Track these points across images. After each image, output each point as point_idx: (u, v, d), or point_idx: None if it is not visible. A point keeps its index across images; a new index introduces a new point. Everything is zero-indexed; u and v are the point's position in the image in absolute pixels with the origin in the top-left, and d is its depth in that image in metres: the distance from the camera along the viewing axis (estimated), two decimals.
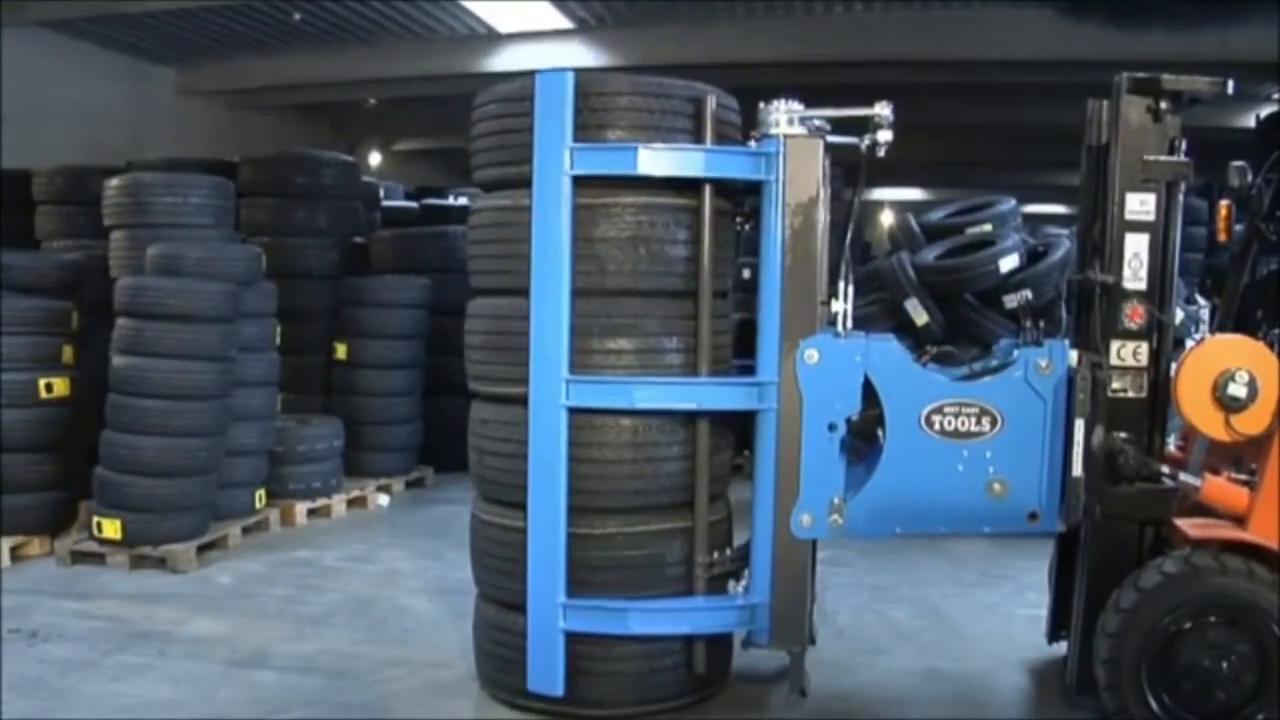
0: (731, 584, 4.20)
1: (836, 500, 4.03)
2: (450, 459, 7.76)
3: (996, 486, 4.00)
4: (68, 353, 6.64)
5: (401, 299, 8.43)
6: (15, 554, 6.22)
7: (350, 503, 7.82)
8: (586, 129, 3.90)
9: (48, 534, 6.43)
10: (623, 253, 3.95)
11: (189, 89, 14.61)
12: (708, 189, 3.98)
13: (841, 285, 4.16)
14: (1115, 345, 4.04)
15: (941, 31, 11.32)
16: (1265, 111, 12.36)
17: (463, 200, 11.60)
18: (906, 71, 11.76)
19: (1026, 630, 5.15)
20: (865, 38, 11.56)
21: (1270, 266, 5.02)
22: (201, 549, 6.30)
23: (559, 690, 3.99)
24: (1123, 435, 4.01)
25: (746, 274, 9.89)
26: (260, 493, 7.05)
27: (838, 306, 4.15)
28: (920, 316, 7.12)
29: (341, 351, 8.36)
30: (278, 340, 7.26)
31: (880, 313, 7.40)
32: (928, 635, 5.22)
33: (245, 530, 6.81)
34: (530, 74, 3.94)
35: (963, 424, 4.00)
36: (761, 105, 4.00)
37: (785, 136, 3.95)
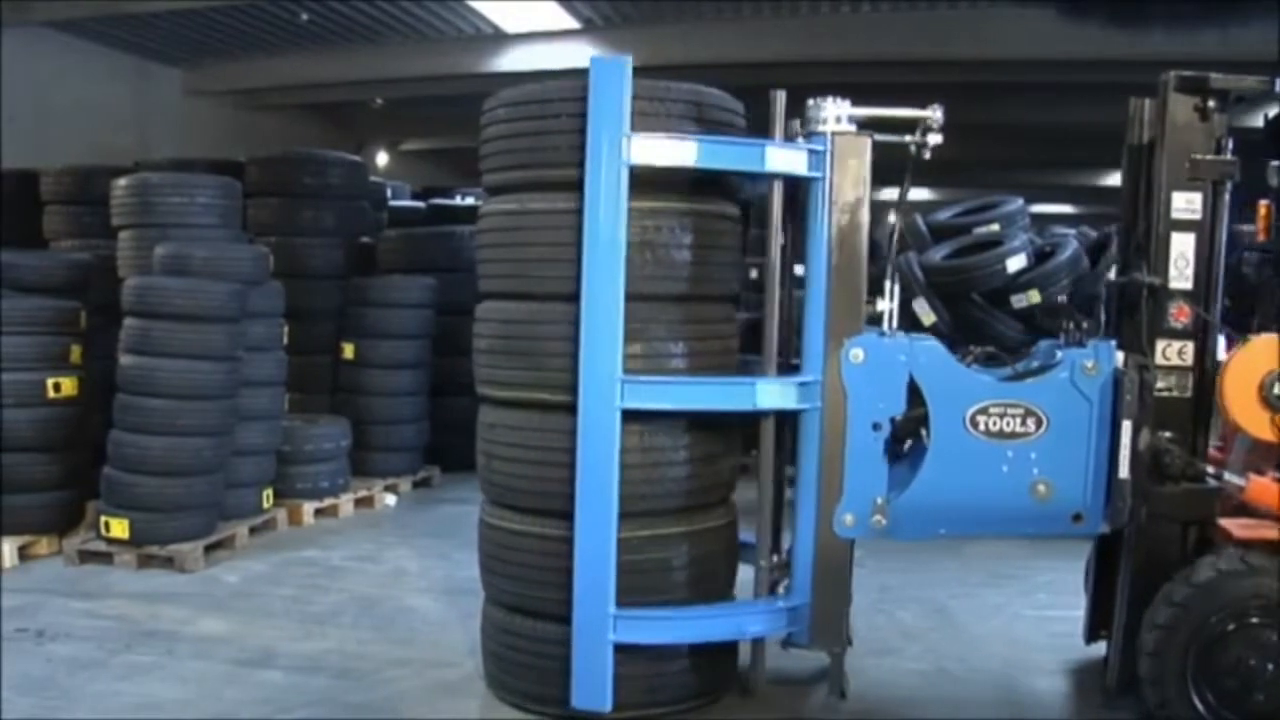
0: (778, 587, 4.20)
1: (880, 500, 4.01)
2: (457, 459, 7.76)
3: (1041, 488, 3.98)
4: (75, 352, 6.64)
5: (408, 299, 8.43)
6: (23, 553, 6.23)
7: (357, 502, 7.83)
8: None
9: (55, 533, 6.44)
10: (628, 256, 3.90)
11: (195, 89, 14.64)
12: (777, 185, 3.99)
13: (888, 284, 4.15)
14: (1161, 345, 4.03)
15: (944, 31, 11.32)
16: (1274, 111, 12.36)
17: (469, 200, 11.61)
18: (910, 71, 11.76)
19: (1034, 631, 5.15)
20: (869, 37, 11.57)
21: None
22: (209, 549, 6.31)
23: (607, 705, 3.89)
24: (1167, 435, 3.99)
25: (754, 274, 9.95)
26: (267, 492, 7.06)
27: (882, 305, 4.14)
28: (928, 317, 7.11)
29: (348, 351, 8.37)
30: (285, 340, 7.28)
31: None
32: (935, 636, 5.22)
33: (252, 530, 6.82)
34: (536, 75, 3.94)
35: (1007, 425, 3.97)
36: (810, 102, 3.99)
37: (834, 134, 3.94)
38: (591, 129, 3.78)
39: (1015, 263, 7.18)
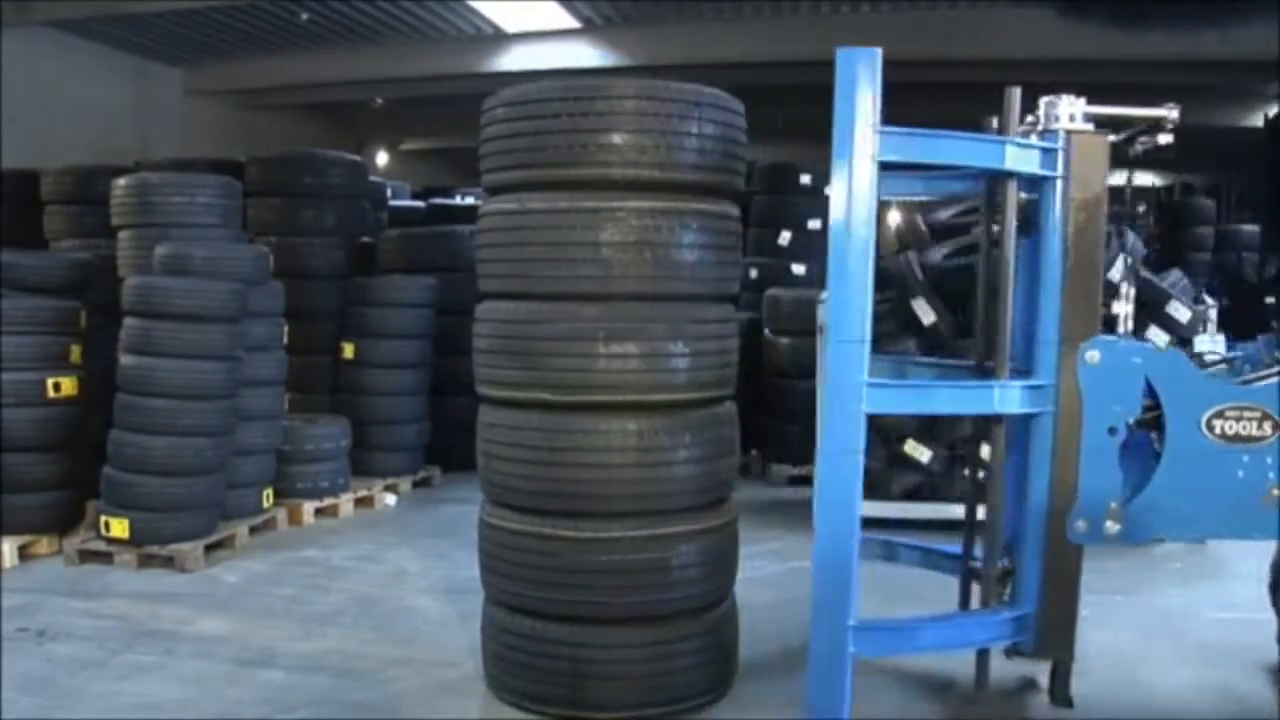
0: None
1: (1114, 505, 3.96)
2: (457, 458, 7.77)
3: (1276, 491, 3.91)
4: (75, 352, 6.65)
5: (408, 298, 8.43)
6: (23, 553, 6.24)
7: (357, 502, 7.83)
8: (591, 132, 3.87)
9: (55, 533, 6.44)
10: (628, 256, 3.93)
11: (196, 89, 14.67)
12: (1011, 183, 3.96)
13: (1123, 286, 4.11)
14: None
15: (945, 31, 11.35)
16: (1274, 110, 12.35)
17: (469, 200, 11.64)
18: (912, 70, 11.77)
19: None
20: (869, 37, 11.52)
21: None
22: (209, 548, 6.32)
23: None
24: None
25: (754, 274, 9.95)
26: (267, 492, 7.07)
27: (1117, 308, 4.11)
28: (928, 316, 7.12)
29: (349, 351, 8.37)
30: (285, 340, 7.28)
31: (888, 312, 7.40)
32: None
33: (252, 530, 6.82)
34: (536, 75, 3.94)
35: (1244, 429, 3.90)
36: (1045, 100, 3.98)
37: (1071, 133, 3.92)
38: (839, 123, 3.64)
39: None
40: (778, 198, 10.26)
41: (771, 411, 8.73)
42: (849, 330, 3.66)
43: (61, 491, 6.50)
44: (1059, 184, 3.93)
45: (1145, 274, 7.60)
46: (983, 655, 4.28)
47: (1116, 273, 7.26)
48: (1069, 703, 4.16)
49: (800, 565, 6.36)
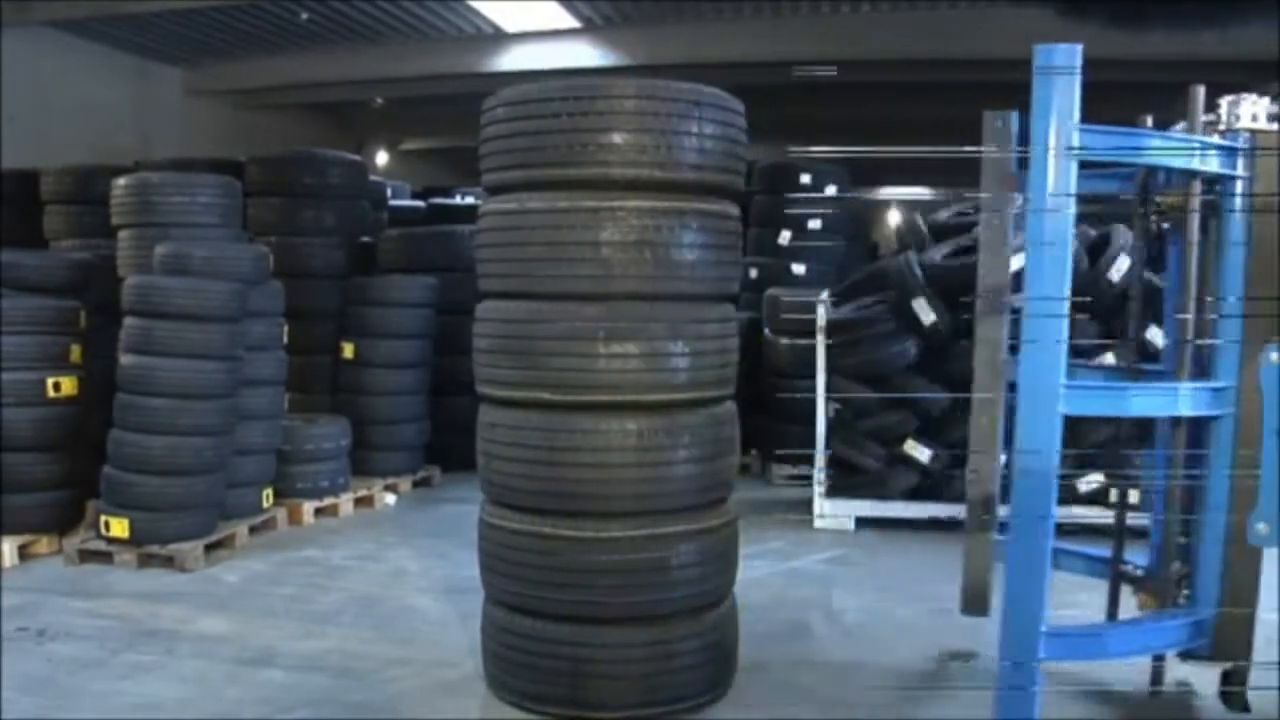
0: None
1: None
2: (457, 458, 7.77)
3: None
4: (75, 352, 6.66)
5: (408, 298, 8.44)
6: (23, 552, 6.24)
7: (357, 502, 7.84)
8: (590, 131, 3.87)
9: (55, 533, 6.45)
10: (628, 256, 3.93)
11: (196, 89, 14.66)
12: (1196, 183, 3.90)
13: None
14: None
15: (944, 30, 11.34)
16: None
17: (469, 199, 11.64)
18: (912, 70, 11.78)
19: None
20: (870, 37, 11.59)
21: None
22: (209, 548, 6.32)
23: None
24: None
25: (754, 274, 9.96)
26: (267, 492, 7.07)
27: None
28: (928, 316, 7.13)
29: (349, 351, 8.38)
30: (285, 339, 7.28)
31: (888, 312, 7.42)
32: (937, 634, 5.21)
33: (252, 529, 6.83)
34: (536, 75, 3.94)
35: None
36: (1227, 99, 3.92)
37: (1254, 132, 3.86)
38: (1037, 121, 3.56)
39: (1015, 262, 7.19)
40: (778, 198, 10.29)
41: (771, 411, 8.74)
42: (1047, 332, 3.59)
43: (61, 491, 6.51)
44: (1240, 184, 3.87)
45: (1146, 274, 7.58)
46: (1159, 660, 4.23)
47: (1117, 272, 7.28)
48: (1246, 706, 4.09)
49: (800, 565, 6.38)
